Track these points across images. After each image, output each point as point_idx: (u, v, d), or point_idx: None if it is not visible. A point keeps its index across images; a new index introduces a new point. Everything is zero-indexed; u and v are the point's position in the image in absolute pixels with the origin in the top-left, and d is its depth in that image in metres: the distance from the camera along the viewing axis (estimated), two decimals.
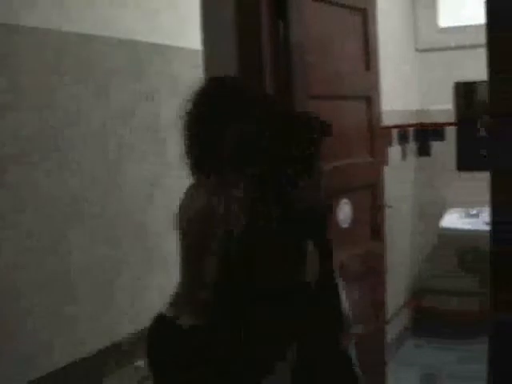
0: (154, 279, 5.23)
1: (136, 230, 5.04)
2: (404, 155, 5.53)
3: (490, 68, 2.68)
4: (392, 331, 5.08)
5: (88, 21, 4.35)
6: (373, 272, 3.92)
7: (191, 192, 2.62)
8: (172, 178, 5.41)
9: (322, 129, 2.62)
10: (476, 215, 5.22)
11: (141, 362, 4.88)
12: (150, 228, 5.18)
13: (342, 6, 3.66)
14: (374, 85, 3.92)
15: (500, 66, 2.65)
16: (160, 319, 2.57)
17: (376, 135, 3.91)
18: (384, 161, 4.61)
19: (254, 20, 3.10)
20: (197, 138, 2.58)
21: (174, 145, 5.25)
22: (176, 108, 4.97)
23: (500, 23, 2.64)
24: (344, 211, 3.58)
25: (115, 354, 4.78)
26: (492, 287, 2.69)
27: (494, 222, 2.67)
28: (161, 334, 2.58)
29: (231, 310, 2.34)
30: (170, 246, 5.26)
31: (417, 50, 5.83)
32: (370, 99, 3.86)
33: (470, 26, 5.18)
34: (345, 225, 3.59)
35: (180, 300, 2.54)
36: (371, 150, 3.87)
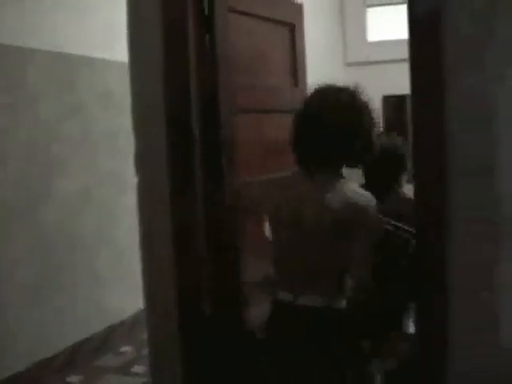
0: (83, 292, 5.19)
1: (66, 242, 5.01)
2: None
3: (412, 82, 2.74)
4: None
5: (17, 32, 4.32)
6: None
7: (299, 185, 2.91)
8: (103, 190, 5.39)
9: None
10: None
11: (73, 377, 4.84)
12: (79, 240, 5.15)
13: (270, 20, 3.70)
14: (301, 98, 3.95)
15: (419, 82, 2.71)
16: (279, 303, 2.88)
17: None
18: None
19: (181, 34, 3.11)
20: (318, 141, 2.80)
21: (105, 158, 5.27)
22: (106, 121, 4.97)
23: (420, 37, 2.70)
24: None
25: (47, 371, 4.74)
26: None
27: None
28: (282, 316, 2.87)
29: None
30: (100, 258, 5.27)
31: (345, 63, 5.91)
32: None
33: (398, 41, 5.27)
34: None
35: (296, 285, 2.79)
36: None
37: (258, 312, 3.16)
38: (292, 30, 3.90)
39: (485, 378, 2.62)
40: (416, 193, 2.76)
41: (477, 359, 2.63)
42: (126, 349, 5.41)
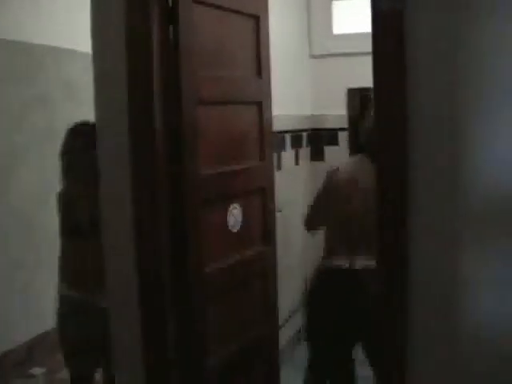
0: (45, 284, 5.15)
1: (28, 233, 4.96)
2: (297, 160, 5.59)
3: (374, 75, 2.75)
4: (287, 333, 5.14)
5: None
6: (264, 276, 3.96)
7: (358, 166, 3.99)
8: None
9: None
10: None
11: (36, 369, 4.81)
12: (41, 232, 5.10)
13: (234, 12, 3.68)
14: (265, 90, 3.96)
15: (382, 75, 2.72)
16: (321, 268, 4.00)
17: (266, 140, 3.94)
18: (276, 165, 4.66)
19: (144, 24, 3.08)
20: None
21: None
22: (70, 111, 4.93)
23: (383, 31, 2.71)
24: (234, 216, 3.61)
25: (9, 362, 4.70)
26: None
27: None
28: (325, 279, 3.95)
29: None
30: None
31: (311, 56, 5.92)
32: (261, 104, 3.89)
33: (363, 34, 5.27)
34: (234, 229, 3.62)
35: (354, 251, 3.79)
36: (262, 155, 3.91)
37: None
38: (257, 21, 3.88)
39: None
40: (378, 186, 2.77)
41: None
42: None
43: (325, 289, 3.97)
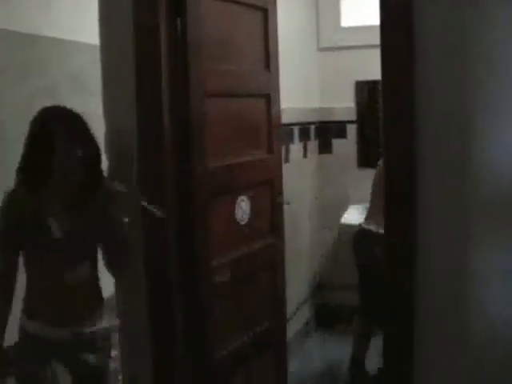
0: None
1: None
2: (305, 152, 5.59)
3: (383, 68, 2.75)
4: (294, 327, 5.14)
5: None
6: (272, 269, 3.96)
7: None
8: None
9: None
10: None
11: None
12: None
13: (242, 4, 3.68)
14: (274, 83, 3.96)
15: (390, 68, 2.72)
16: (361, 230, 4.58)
17: (275, 132, 3.95)
18: (284, 158, 4.66)
19: (152, 17, 3.08)
20: None
21: None
22: (77, 104, 4.91)
23: (391, 23, 2.70)
24: (242, 208, 3.61)
25: None
26: None
27: None
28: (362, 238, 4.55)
29: None
30: None
31: (319, 48, 5.90)
32: (269, 97, 3.89)
33: (371, 26, 5.25)
34: (242, 222, 3.63)
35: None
36: (270, 147, 3.91)
37: None
38: (265, 14, 3.88)
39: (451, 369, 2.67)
40: (386, 179, 2.77)
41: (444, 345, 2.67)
42: None
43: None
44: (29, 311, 2.99)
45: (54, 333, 2.95)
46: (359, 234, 4.60)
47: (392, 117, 2.73)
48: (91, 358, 3.02)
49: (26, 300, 2.99)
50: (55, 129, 3.01)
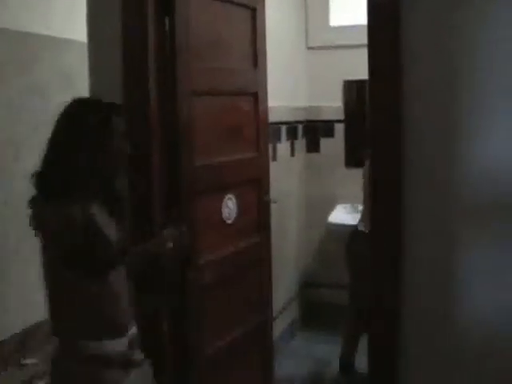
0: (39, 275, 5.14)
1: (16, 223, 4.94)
2: (293, 151, 5.59)
3: (370, 68, 2.76)
4: (281, 325, 5.14)
5: None
6: (259, 267, 3.97)
7: None
8: None
9: None
10: (354, 211, 5.33)
11: (29, 360, 4.81)
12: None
13: (231, 3, 3.68)
14: (262, 81, 3.97)
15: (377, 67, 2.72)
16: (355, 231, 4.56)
17: (262, 131, 3.95)
18: (271, 156, 4.66)
19: (140, 16, 3.08)
20: None
21: None
22: (67, 101, 4.88)
23: (379, 23, 2.71)
24: (229, 207, 3.61)
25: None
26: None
27: None
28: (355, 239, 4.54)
29: None
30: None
31: (307, 47, 5.91)
32: (257, 95, 3.90)
33: (360, 26, 5.26)
34: (229, 220, 3.63)
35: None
36: (257, 146, 3.92)
37: None
38: (253, 13, 3.89)
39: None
40: (372, 180, 2.78)
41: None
42: None
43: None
44: None
45: None
46: (353, 235, 4.60)
47: (379, 118, 2.74)
48: None
49: None
50: (118, 124, 2.59)
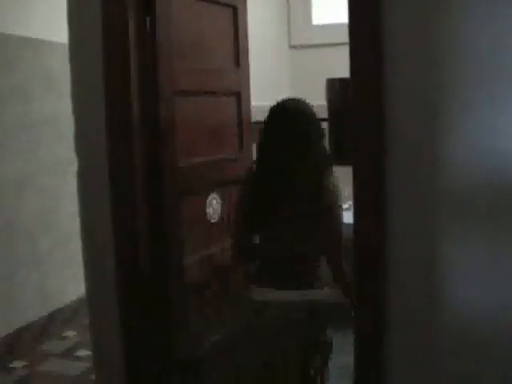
0: (23, 278, 5.12)
1: (5, 228, 4.94)
2: None
3: (351, 67, 2.76)
4: None
5: None
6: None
7: None
8: (45, 174, 5.32)
9: None
10: (349, 209, 5.32)
11: (16, 363, 4.80)
12: (19, 226, 5.08)
13: (212, 2, 3.68)
14: (244, 80, 3.97)
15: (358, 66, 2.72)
16: None
17: (245, 130, 3.95)
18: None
19: (121, 15, 3.07)
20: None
21: (47, 141, 5.19)
22: (48, 104, 4.88)
23: (359, 21, 2.71)
24: (213, 206, 3.62)
25: None
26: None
27: None
28: None
29: None
30: (41, 244, 5.21)
31: (290, 46, 5.91)
32: (240, 95, 3.90)
33: (342, 24, 5.25)
34: (213, 219, 3.63)
35: None
36: (240, 145, 3.92)
37: None
38: (235, 11, 3.89)
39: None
40: (354, 179, 2.78)
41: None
42: (69, 334, 5.37)
43: None
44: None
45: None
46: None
47: (361, 116, 2.74)
48: None
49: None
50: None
